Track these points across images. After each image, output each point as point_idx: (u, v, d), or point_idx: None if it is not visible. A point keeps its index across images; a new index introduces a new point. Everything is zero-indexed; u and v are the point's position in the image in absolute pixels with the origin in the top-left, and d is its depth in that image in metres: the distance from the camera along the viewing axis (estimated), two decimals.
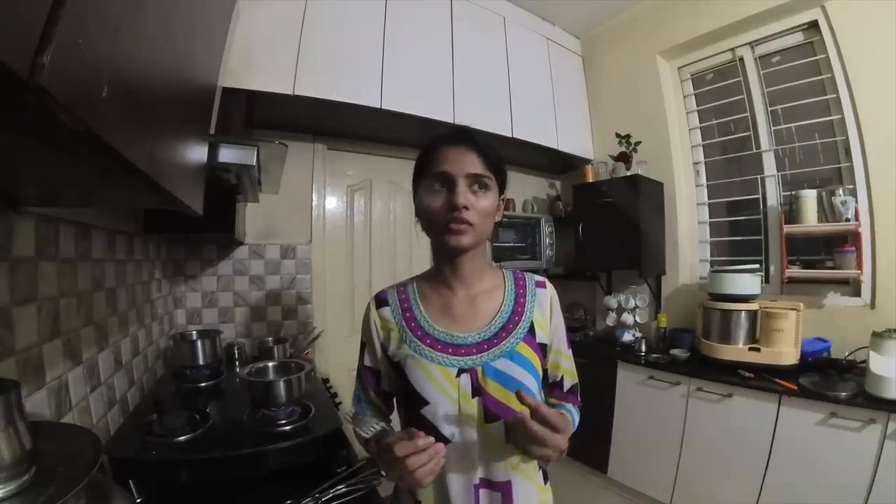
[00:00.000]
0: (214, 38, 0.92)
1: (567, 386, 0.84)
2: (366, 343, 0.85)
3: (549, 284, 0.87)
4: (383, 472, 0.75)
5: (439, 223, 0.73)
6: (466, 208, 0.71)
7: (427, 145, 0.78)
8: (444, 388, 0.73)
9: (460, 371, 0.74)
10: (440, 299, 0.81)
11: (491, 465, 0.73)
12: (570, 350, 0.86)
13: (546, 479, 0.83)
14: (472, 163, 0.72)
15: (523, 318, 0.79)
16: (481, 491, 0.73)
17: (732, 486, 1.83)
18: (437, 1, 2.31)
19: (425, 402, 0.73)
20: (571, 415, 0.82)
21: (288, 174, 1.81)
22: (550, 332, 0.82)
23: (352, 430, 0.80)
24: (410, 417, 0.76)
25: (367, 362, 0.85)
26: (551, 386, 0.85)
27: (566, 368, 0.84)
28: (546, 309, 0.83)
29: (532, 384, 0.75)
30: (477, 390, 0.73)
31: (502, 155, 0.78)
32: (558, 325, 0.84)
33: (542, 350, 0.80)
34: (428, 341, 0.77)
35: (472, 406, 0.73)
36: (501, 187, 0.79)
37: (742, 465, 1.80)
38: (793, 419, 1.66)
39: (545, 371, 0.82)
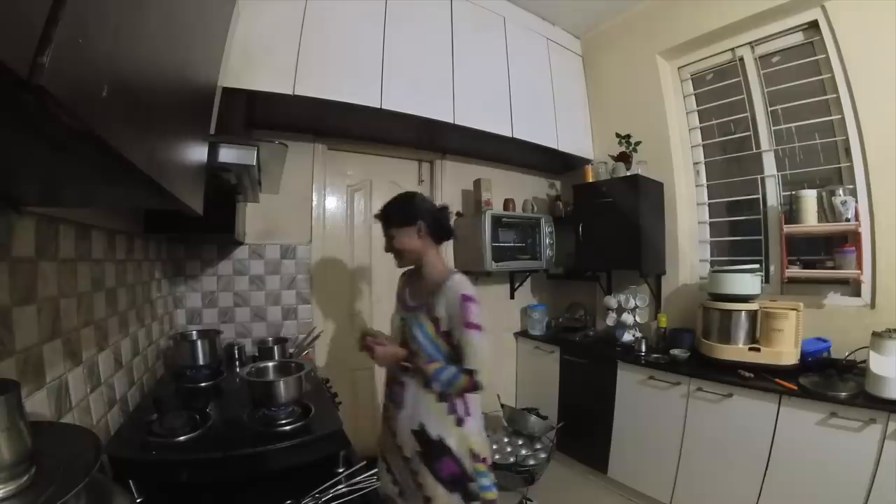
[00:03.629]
0: (214, 38, 0.92)
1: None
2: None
3: (453, 280, 1.30)
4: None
5: None
6: (389, 251, 1.44)
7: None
8: (394, 324, 1.45)
9: (402, 318, 1.41)
10: (413, 282, 1.46)
11: (398, 371, 1.35)
12: (475, 339, 1.24)
13: (460, 422, 1.30)
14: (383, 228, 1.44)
15: (437, 302, 1.30)
16: (394, 384, 1.38)
17: (732, 485, 1.83)
18: (437, 1, 2.31)
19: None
20: (438, 368, 1.26)
21: (288, 174, 1.81)
22: (447, 319, 1.27)
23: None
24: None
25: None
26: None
27: (464, 354, 1.24)
28: (445, 300, 1.29)
29: (424, 339, 1.30)
30: (404, 330, 1.37)
31: (397, 210, 1.41)
32: (452, 315, 1.26)
33: (445, 332, 1.29)
34: (401, 299, 1.48)
35: (398, 338, 1.40)
36: (406, 222, 1.38)
37: (742, 465, 1.80)
38: (793, 419, 1.66)
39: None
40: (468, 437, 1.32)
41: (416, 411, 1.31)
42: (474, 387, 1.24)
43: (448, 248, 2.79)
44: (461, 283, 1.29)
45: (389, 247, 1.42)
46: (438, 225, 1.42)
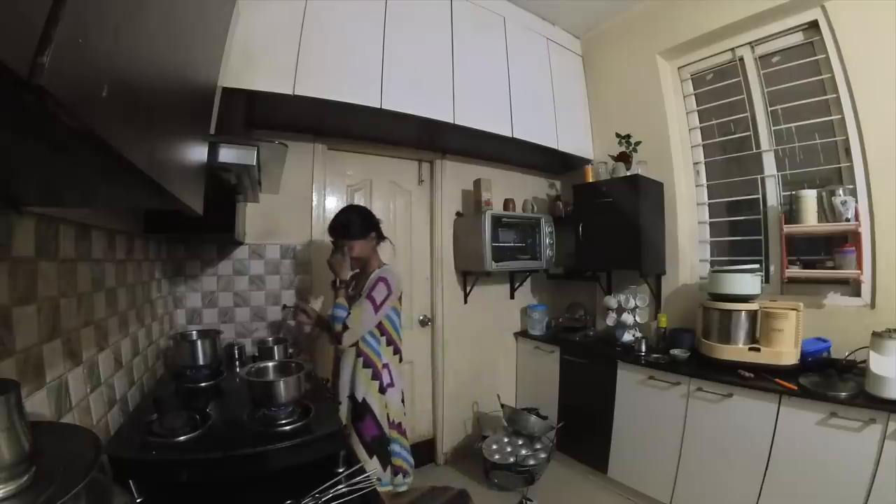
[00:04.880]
0: (214, 38, 0.92)
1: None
2: None
3: (382, 269, 1.66)
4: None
5: None
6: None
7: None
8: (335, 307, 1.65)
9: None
10: (358, 278, 1.75)
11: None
12: (366, 308, 1.56)
13: (382, 390, 1.61)
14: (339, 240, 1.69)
15: (368, 285, 1.62)
16: (335, 360, 1.75)
17: (732, 485, 1.83)
18: (437, 1, 2.31)
19: None
20: (342, 305, 1.60)
21: (288, 174, 1.81)
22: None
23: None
24: None
25: None
26: None
27: (352, 312, 1.58)
28: (371, 281, 1.63)
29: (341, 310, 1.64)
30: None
31: (358, 223, 1.66)
32: (364, 293, 1.59)
33: None
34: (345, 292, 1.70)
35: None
36: (364, 234, 1.67)
37: (742, 465, 1.80)
38: (793, 419, 1.66)
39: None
40: (388, 404, 1.61)
41: (348, 378, 1.63)
42: (339, 339, 1.56)
43: (448, 248, 2.79)
44: (385, 270, 1.65)
45: (342, 253, 1.63)
46: (380, 231, 1.74)
